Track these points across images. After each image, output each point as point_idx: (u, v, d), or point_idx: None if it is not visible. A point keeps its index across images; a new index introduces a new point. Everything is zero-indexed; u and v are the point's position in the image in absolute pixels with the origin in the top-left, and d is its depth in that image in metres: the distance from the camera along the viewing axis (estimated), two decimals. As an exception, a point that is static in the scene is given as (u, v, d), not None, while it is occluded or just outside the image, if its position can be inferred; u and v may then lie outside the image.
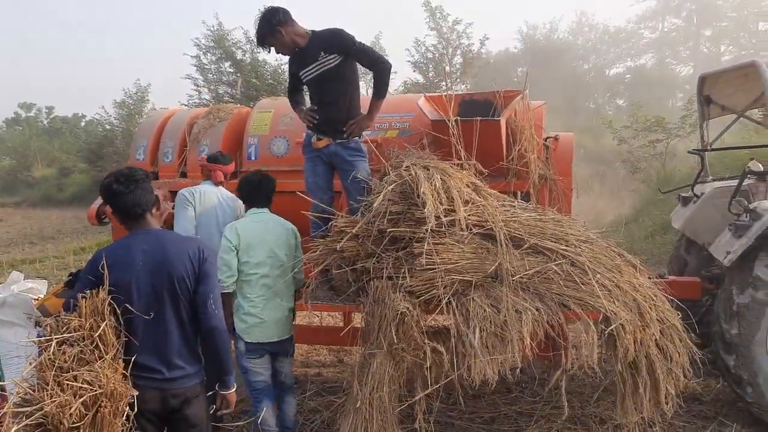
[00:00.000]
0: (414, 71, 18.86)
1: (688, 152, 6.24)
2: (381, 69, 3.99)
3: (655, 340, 3.48)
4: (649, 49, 41.63)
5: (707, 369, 4.59)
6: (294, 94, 4.30)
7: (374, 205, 3.56)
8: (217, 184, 4.33)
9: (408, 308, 3.32)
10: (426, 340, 3.39)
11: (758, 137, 9.34)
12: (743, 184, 4.66)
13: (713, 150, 5.63)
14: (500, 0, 61.59)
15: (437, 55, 17.88)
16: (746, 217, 4.17)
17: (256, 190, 3.90)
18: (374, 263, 3.55)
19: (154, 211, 2.82)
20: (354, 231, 3.58)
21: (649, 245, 9.36)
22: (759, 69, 4.05)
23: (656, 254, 8.59)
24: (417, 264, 3.40)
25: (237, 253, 3.66)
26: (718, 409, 4.41)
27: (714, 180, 5.52)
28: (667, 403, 3.47)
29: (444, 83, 16.82)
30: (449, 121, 4.06)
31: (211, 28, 17.34)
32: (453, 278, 3.43)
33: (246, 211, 3.96)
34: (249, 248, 3.68)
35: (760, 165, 4.88)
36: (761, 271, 3.98)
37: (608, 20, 43.86)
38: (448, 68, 17.47)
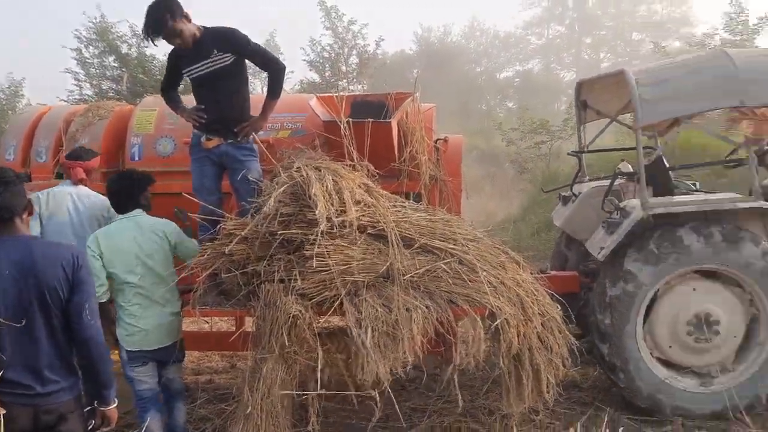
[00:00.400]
0: (310, 70, 18.80)
1: (568, 154, 6.63)
2: (275, 69, 3.97)
3: (537, 332, 3.67)
4: (536, 55, 43.93)
5: (585, 358, 4.91)
6: (170, 91, 4.15)
7: (265, 206, 3.50)
8: (76, 183, 4.06)
9: (300, 311, 3.30)
10: (318, 342, 3.39)
11: (630, 140, 10.06)
12: (615, 184, 5.03)
13: (590, 152, 6.01)
14: (396, 2, 62.38)
15: (333, 54, 17.89)
16: (617, 215, 4.48)
17: (121, 193, 3.66)
18: (265, 266, 3.49)
19: (25, 216, 2.62)
20: (243, 233, 3.50)
21: (535, 242, 9.86)
22: (626, 77, 4.36)
23: (541, 250, 9.05)
24: (309, 266, 3.38)
25: (102, 262, 3.46)
26: (596, 394, 4.71)
27: (591, 180, 5.88)
28: (548, 392, 3.67)
29: (341, 83, 16.85)
30: (341, 122, 4.06)
31: (93, 20, 16.37)
32: (345, 279, 3.45)
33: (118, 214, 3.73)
34: (113, 257, 3.48)
35: (630, 166, 5.26)
36: (631, 265, 4.29)
37: (498, 25, 45.72)
38: (344, 68, 17.52)
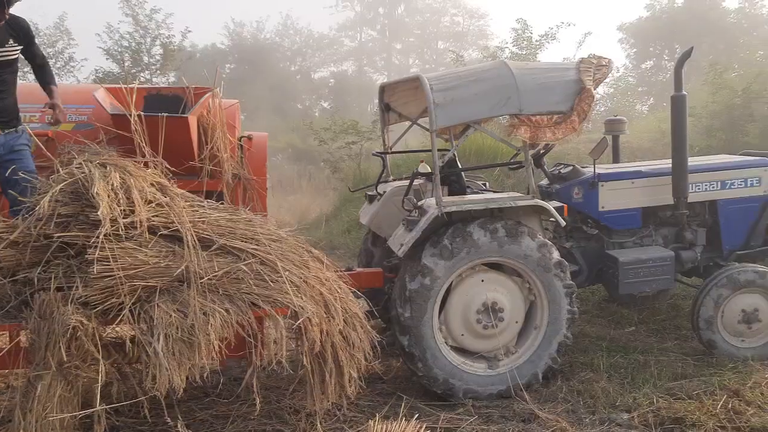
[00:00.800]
0: (107, 59, 17.36)
1: (372, 155, 6.85)
2: (48, 64, 4.03)
3: (340, 329, 3.73)
4: (350, 57, 45.04)
5: (389, 350, 5.11)
6: None
7: (39, 206, 3.14)
8: None
9: (81, 321, 3.01)
10: (104, 354, 3.12)
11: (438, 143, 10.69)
12: (416, 184, 5.29)
13: (393, 153, 6.26)
14: (208, -7, 59.92)
15: (134, 44, 16.69)
16: (415, 213, 4.72)
17: None
18: (40, 273, 3.14)
19: None
20: (13, 237, 3.12)
21: (346, 240, 10.09)
22: (422, 83, 4.60)
23: (352, 248, 9.27)
24: (91, 272, 3.10)
25: None
26: (398, 385, 4.92)
27: (394, 180, 6.13)
28: (351, 386, 3.76)
29: (143, 75, 15.79)
30: (131, 115, 3.79)
31: None
32: (135, 285, 3.21)
33: None
34: None
35: (428, 167, 5.56)
36: (427, 260, 4.54)
37: (312, 25, 46.05)
38: (147, 59, 16.43)
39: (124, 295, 3.14)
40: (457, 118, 4.70)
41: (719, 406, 4.23)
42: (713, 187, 5.61)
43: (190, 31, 18.46)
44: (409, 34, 46.93)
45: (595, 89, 4.70)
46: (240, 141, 4.65)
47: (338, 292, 3.93)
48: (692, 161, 5.57)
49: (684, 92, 5.38)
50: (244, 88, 30.54)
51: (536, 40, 13.77)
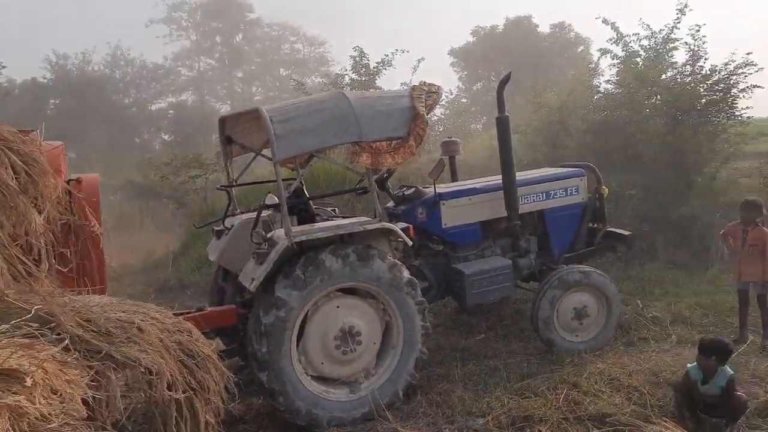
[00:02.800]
0: None
1: (216, 188, 6.68)
2: None
3: (192, 375, 3.57)
4: (189, 87, 43.63)
5: (249, 389, 4.96)
6: None
7: None
8: None
9: None
10: None
11: (287, 172, 10.64)
12: (264, 215, 5.23)
13: (239, 185, 6.15)
14: (25, 25, 55.15)
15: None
16: (265, 245, 4.67)
17: None
18: None
19: None
20: None
21: (196, 278, 9.69)
22: (261, 115, 4.58)
23: (203, 286, 8.93)
24: None
25: None
26: (260, 423, 4.80)
27: (242, 213, 6.01)
28: (208, 433, 3.60)
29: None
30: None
31: None
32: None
33: None
34: None
35: (276, 198, 5.53)
36: (281, 292, 4.50)
37: (145, 55, 43.97)
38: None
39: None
40: (298, 148, 4.73)
41: (561, 400, 4.61)
42: (539, 198, 6.15)
43: (5, 67, 16.86)
44: (250, 62, 46.55)
45: (427, 114, 4.97)
46: (68, 184, 4.33)
47: (190, 335, 3.76)
48: (520, 175, 6.07)
49: (507, 114, 5.85)
50: (72, 124, 28.45)
51: (374, 67, 14.28)
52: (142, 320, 3.42)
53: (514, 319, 6.84)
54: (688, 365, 4.42)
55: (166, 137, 35.17)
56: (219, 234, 5.79)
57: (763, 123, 13.42)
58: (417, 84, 5.26)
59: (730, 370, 4.28)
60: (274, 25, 47.30)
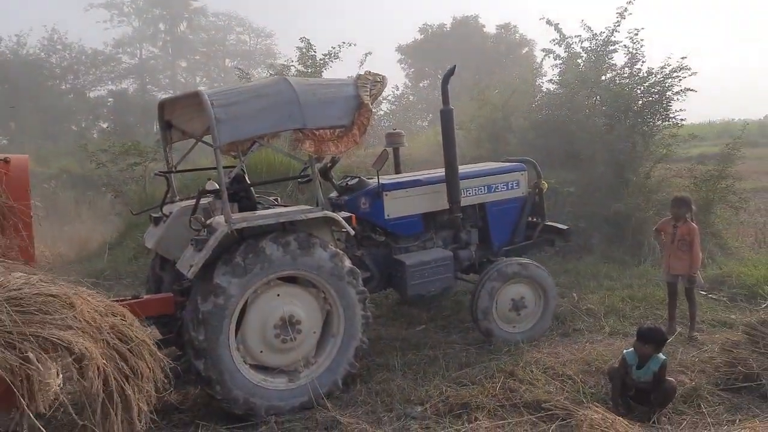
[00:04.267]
0: None
1: (154, 174, 6.51)
2: None
3: (125, 361, 3.47)
4: (130, 75, 42.29)
5: (186, 378, 4.87)
6: None
7: None
8: None
9: None
10: None
11: (231, 159, 10.45)
12: (204, 202, 5.12)
13: (178, 171, 6.00)
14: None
15: None
16: (204, 232, 4.57)
17: None
18: None
19: None
20: None
21: (133, 267, 9.40)
22: (202, 99, 4.47)
23: (140, 276, 8.67)
24: None
25: None
26: (196, 413, 4.69)
27: (181, 200, 5.87)
28: (141, 421, 3.51)
29: None
30: None
31: None
32: None
33: None
34: None
35: (216, 184, 5.42)
36: (220, 279, 4.42)
37: (84, 41, 42.45)
38: None
39: None
40: (240, 134, 4.64)
41: (498, 388, 4.71)
42: (481, 191, 6.25)
43: None
44: (194, 52, 45.55)
45: (372, 104, 4.96)
46: (-6, 165, 4.14)
47: (125, 321, 3.66)
48: (462, 169, 6.14)
49: (451, 107, 5.92)
50: (4, 110, 27.19)
51: (320, 59, 14.13)
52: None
53: (454, 310, 6.94)
54: (625, 351, 4.63)
55: (104, 126, 34.00)
56: (157, 221, 5.65)
57: (695, 128, 14.01)
58: (362, 73, 5.25)
59: (662, 356, 4.51)
60: (219, 14, 46.45)
